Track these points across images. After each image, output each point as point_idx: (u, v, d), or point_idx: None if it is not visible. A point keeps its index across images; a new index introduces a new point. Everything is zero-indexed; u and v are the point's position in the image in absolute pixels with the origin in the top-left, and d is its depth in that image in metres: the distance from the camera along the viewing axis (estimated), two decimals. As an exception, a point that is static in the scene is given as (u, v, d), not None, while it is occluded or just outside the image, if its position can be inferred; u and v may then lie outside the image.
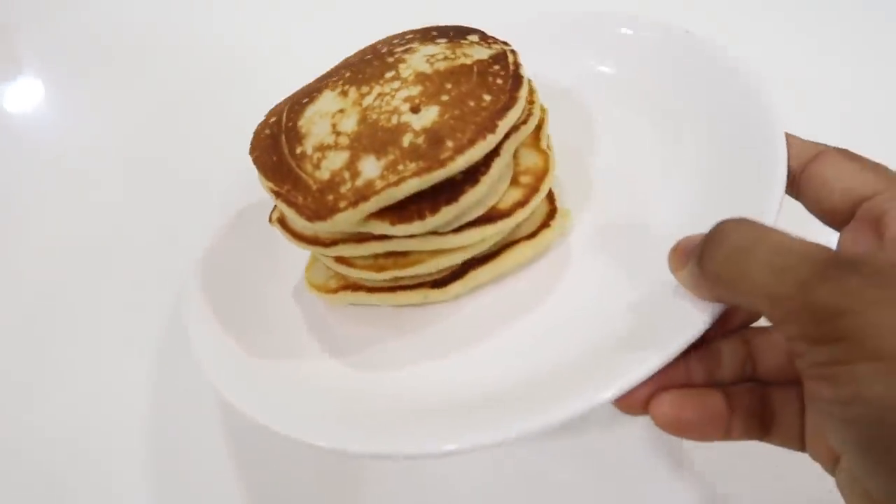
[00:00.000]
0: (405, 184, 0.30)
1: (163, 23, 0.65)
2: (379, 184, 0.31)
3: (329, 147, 0.33)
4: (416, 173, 0.30)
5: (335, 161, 0.32)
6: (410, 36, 0.39)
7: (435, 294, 0.36)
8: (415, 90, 0.33)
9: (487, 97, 0.32)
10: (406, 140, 0.31)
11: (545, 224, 0.36)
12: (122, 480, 0.40)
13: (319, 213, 0.31)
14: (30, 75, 0.65)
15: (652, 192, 0.36)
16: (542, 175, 0.34)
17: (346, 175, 0.32)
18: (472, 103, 0.32)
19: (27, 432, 0.42)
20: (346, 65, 0.38)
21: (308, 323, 0.39)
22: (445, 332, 0.36)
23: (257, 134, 0.37)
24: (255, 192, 0.44)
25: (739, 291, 0.24)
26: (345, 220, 0.31)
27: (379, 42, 0.40)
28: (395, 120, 0.32)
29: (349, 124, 0.33)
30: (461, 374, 0.33)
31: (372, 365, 0.36)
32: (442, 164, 0.30)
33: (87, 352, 0.45)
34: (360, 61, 0.37)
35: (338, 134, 0.33)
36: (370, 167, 0.31)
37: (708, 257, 0.25)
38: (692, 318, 0.28)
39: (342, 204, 0.31)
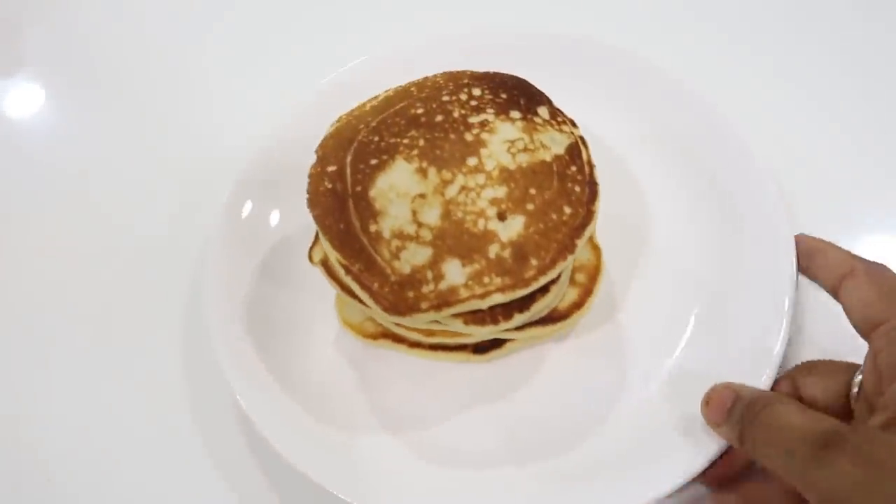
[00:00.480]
0: (490, 297, 0.32)
1: (169, 25, 0.60)
2: (464, 293, 0.32)
3: (410, 238, 0.33)
4: (501, 289, 0.32)
5: (417, 256, 0.33)
6: (478, 92, 0.38)
7: (475, 358, 0.38)
8: (500, 191, 0.34)
9: (568, 210, 0.34)
10: (492, 251, 0.32)
11: (579, 303, 0.39)
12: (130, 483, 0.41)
13: (398, 307, 0.32)
14: (33, 74, 0.59)
15: (679, 288, 0.40)
16: (594, 274, 0.37)
17: (429, 275, 0.32)
18: (554, 216, 0.33)
19: (29, 433, 0.42)
20: (415, 121, 0.36)
21: (342, 358, 0.40)
22: (473, 394, 0.39)
23: (315, 185, 0.35)
24: (268, 204, 0.44)
25: (767, 465, 0.29)
26: (422, 319, 0.33)
27: (440, 86, 0.38)
28: (481, 225, 0.33)
29: (432, 216, 0.33)
30: (484, 444, 0.37)
31: (398, 416, 0.38)
32: (526, 283, 0.32)
33: (92, 357, 0.44)
34: (432, 126, 0.36)
35: (419, 224, 0.33)
36: (455, 272, 0.32)
37: (748, 441, 0.30)
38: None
39: (423, 305, 0.32)
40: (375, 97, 0.39)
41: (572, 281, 0.37)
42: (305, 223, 0.44)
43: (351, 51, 0.50)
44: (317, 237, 0.40)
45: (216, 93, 0.55)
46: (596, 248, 0.38)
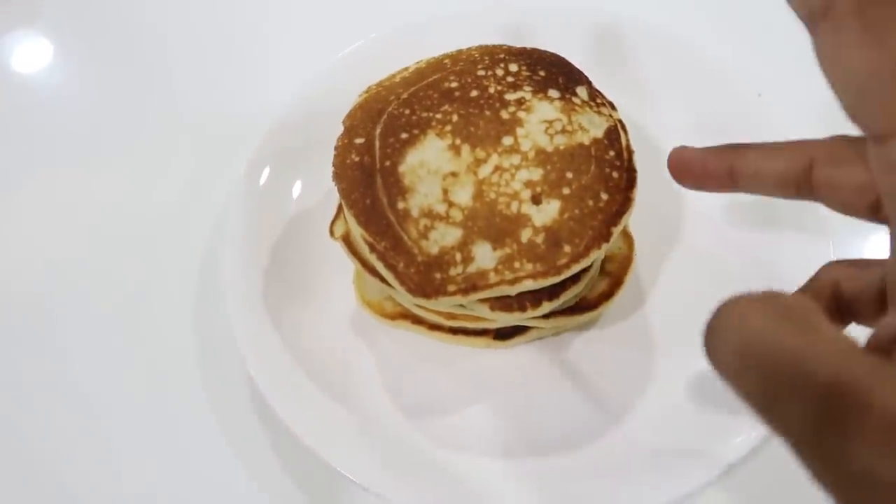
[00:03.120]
0: (520, 284, 0.31)
1: None
2: (493, 277, 0.31)
3: (439, 217, 0.32)
4: (532, 276, 0.31)
5: (446, 237, 0.31)
6: (515, 68, 0.36)
7: (496, 344, 0.37)
8: (536, 174, 0.32)
9: (604, 196, 0.32)
10: (525, 235, 0.31)
11: (609, 293, 0.37)
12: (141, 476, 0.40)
13: (424, 289, 0.31)
14: (49, 27, 0.57)
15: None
16: (626, 264, 0.36)
17: (458, 257, 0.31)
18: (590, 202, 0.32)
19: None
20: (448, 95, 0.35)
21: (358, 338, 0.39)
22: (492, 380, 0.38)
23: (341, 158, 0.34)
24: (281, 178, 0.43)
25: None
26: (448, 303, 0.31)
27: (475, 59, 0.36)
28: (514, 207, 0.31)
29: (463, 196, 0.32)
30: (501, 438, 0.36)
31: (414, 400, 0.37)
32: (558, 270, 0.31)
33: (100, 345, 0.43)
34: (467, 101, 0.34)
35: (450, 204, 0.32)
36: (485, 255, 0.31)
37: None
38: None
39: (451, 288, 0.31)
40: (406, 68, 0.38)
41: (603, 270, 0.36)
42: (325, 194, 0.44)
43: (377, 19, 0.48)
44: (339, 211, 0.38)
45: (237, 55, 0.53)
46: (628, 238, 0.37)
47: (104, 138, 0.50)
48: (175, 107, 0.51)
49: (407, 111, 0.35)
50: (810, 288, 0.25)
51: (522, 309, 0.32)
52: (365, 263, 0.36)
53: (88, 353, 0.42)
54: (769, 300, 0.17)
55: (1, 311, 0.44)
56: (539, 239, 0.31)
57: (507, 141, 0.33)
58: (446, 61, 0.37)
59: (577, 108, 0.35)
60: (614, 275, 0.36)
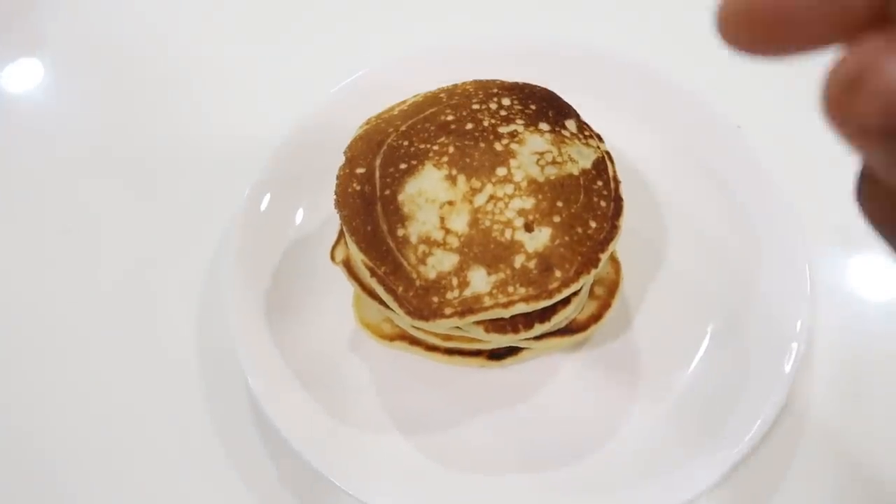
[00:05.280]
0: (513, 307, 0.32)
1: (198, 13, 0.60)
2: (488, 301, 0.32)
3: (437, 244, 0.33)
4: (525, 299, 0.32)
5: (443, 262, 0.33)
6: (508, 102, 0.38)
7: (491, 364, 0.39)
8: (528, 203, 0.34)
9: (593, 224, 0.34)
10: (518, 261, 0.33)
11: (597, 316, 0.39)
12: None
13: (422, 312, 0.33)
14: (53, 53, 0.58)
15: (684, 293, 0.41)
16: (613, 288, 0.38)
17: (454, 281, 0.33)
18: (579, 229, 0.34)
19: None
20: (445, 128, 0.37)
21: (357, 358, 0.41)
22: (486, 400, 0.39)
23: (343, 186, 0.36)
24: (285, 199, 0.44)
25: None
26: (445, 325, 0.33)
27: (469, 94, 0.38)
28: (508, 235, 0.33)
29: (459, 224, 0.34)
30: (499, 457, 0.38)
31: (411, 418, 0.39)
32: (550, 294, 0.32)
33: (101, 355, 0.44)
34: (462, 133, 0.36)
35: (447, 231, 0.34)
36: (480, 280, 0.33)
37: None
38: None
39: (447, 311, 0.32)
40: (404, 101, 0.40)
41: (591, 294, 0.37)
42: (326, 220, 0.45)
43: (373, 52, 0.50)
44: (340, 236, 0.40)
45: (240, 83, 0.54)
46: (616, 263, 0.39)
47: (110, 161, 0.51)
48: (181, 130, 0.52)
49: (405, 143, 0.37)
50: None
51: (516, 331, 0.34)
52: (364, 287, 0.37)
53: (94, 365, 0.43)
54: None
55: (5, 328, 0.45)
56: (531, 264, 0.33)
57: (501, 171, 0.35)
58: (442, 95, 0.39)
59: (566, 140, 0.37)
60: (602, 298, 0.38)
